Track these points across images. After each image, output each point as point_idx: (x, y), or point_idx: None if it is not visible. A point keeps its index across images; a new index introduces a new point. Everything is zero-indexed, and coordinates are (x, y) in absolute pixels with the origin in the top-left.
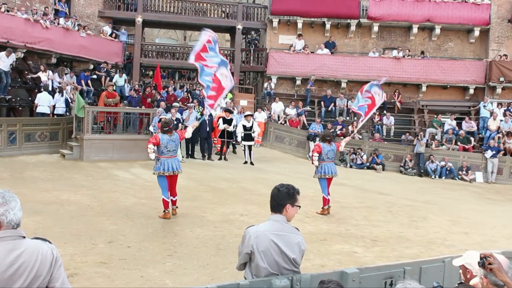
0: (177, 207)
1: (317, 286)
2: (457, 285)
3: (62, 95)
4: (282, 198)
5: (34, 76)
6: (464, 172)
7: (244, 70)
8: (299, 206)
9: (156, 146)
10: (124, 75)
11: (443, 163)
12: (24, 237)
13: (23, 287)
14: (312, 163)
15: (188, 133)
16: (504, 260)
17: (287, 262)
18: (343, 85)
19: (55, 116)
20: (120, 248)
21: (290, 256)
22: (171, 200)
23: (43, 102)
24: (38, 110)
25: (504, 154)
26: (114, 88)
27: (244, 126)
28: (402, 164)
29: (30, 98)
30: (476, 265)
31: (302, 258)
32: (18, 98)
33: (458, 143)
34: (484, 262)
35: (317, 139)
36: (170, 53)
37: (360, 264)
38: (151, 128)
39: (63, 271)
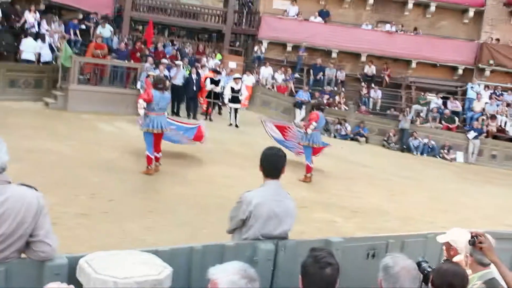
0: (160, 164)
1: (304, 253)
2: (442, 261)
3: (44, 42)
4: (282, 161)
5: (22, 20)
6: (445, 151)
7: (235, 32)
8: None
9: (146, 103)
10: (107, 25)
11: (426, 140)
12: (9, 182)
13: (7, 233)
14: (306, 131)
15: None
16: (491, 240)
17: (280, 231)
18: (334, 55)
19: (41, 64)
20: (101, 201)
21: (285, 225)
22: (155, 156)
23: (28, 48)
24: (23, 56)
25: (486, 137)
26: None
27: (232, 88)
28: (386, 139)
29: (16, 44)
30: (461, 243)
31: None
32: (4, 43)
33: (443, 122)
34: (475, 240)
35: (303, 106)
36: (161, 9)
37: (339, 234)
38: (138, 85)
39: (48, 220)
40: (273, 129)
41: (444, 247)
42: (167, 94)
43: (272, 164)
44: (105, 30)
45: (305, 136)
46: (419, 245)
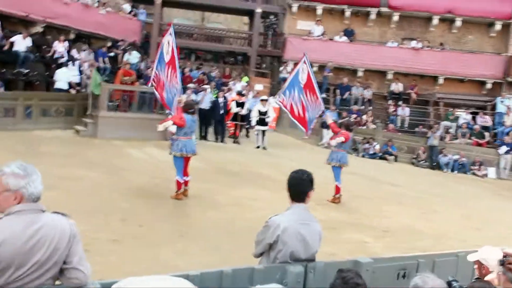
0: (188, 188)
1: (334, 274)
2: (473, 280)
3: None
4: (307, 186)
5: (52, 50)
6: (476, 167)
7: (261, 54)
8: (313, 189)
9: (177, 127)
10: (134, 52)
11: (456, 156)
12: (44, 211)
13: (41, 260)
14: (330, 141)
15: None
16: None
17: (308, 253)
18: (360, 73)
19: (74, 91)
20: (132, 227)
21: (313, 248)
22: (184, 180)
23: (61, 77)
24: (57, 86)
25: None
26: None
27: (259, 111)
28: (415, 156)
29: (47, 73)
30: (492, 261)
31: (319, 247)
32: (36, 73)
33: (472, 137)
34: (505, 260)
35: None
36: (187, 34)
37: (370, 254)
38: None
39: (81, 247)
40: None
41: (475, 266)
42: (196, 118)
43: (297, 188)
44: (132, 57)
45: (335, 157)
46: (451, 264)
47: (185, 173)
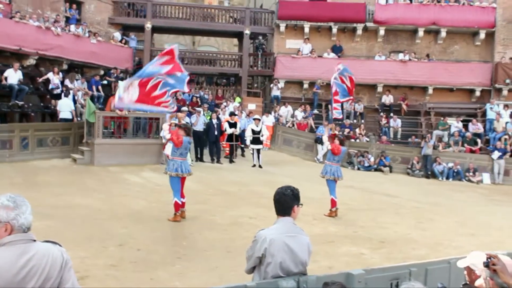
0: (185, 210)
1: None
2: (462, 285)
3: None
4: (290, 200)
5: (45, 77)
6: (471, 174)
7: (252, 74)
8: (302, 205)
9: (172, 147)
10: (121, 82)
11: (450, 164)
12: (34, 240)
13: None
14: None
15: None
16: (509, 261)
17: (298, 265)
18: None
19: (77, 120)
20: (130, 251)
21: (302, 259)
22: (183, 202)
23: (64, 107)
24: (61, 116)
25: (511, 156)
26: None
27: (252, 130)
28: (409, 166)
29: (42, 104)
30: (481, 266)
31: (309, 260)
32: (30, 104)
33: (465, 145)
34: (489, 262)
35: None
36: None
37: (367, 265)
38: (161, 133)
39: (73, 273)
40: None
41: (465, 272)
42: (191, 140)
43: (282, 204)
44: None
45: (329, 170)
46: (443, 272)
47: (181, 195)
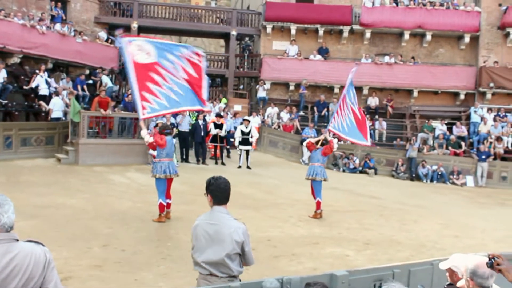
0: (170, 211)
1: None
2: (446, 286)
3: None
4: (227, 189)
5: (33, 83)
6: (455, 176)
7: (238, 76)
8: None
9: (158, 148)
10: (104, 77)
11: (434, 167)
12: (17, 240)
13: None
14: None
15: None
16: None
17: (217, 252)
18: (336, 90)
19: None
20: (114, 252)
21: (221, 246)
22: (167, 203)
23: (56, 107)
24: (53, 115)
25: (494, 159)
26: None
27: (241, 131)
28: (394, 169)
29: (26, 103)
30: (462, 268)
31: (246, 252)
32: (14, 103)
33: (449, 147)
34: (493, 262)
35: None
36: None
37: (351, 267)
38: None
39: (56, 273)
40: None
41: (447, 273)
42: (173, 140)
43: (224, 192)
44: (105, 79)
45: (313, 171)
46: (426, 273)
47: (168, 196)
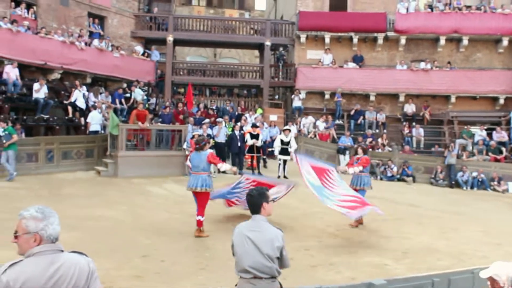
0: (202, 231)
1: None
2: None
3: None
4: (257, 200)
5: (72, 100)
6: (496, 183)
7: (273, 86)
8: (273, 200)
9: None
10: (137, 90)
11: (474, 174)
12: (62, 250)
13: None
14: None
15: (223, 167)
16: None
17: (261, 256)
18: (372, 98)
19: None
20: (154, 262)
21: (264, 251)
22: (197, 220)
23: (94, 120)
24: (91, 128)
25: None
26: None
27: (281, 141)
28: (433, 176)
29: (66, 117)
30: (504, 276)
31: (283, 256)
32: (55, 118)
33: (490, 153)
34: None
35: (347, 152)
36: (200, 70)
37: (390, 276)
38: (184, 145)
39: (99, 283)
40: (310, 171)
41: (488, 282)
42: (204, 153)
43: (251, 204)
44: (136, 94)
45: (357, 180)
46: (467, 282)
47: (199, 211)
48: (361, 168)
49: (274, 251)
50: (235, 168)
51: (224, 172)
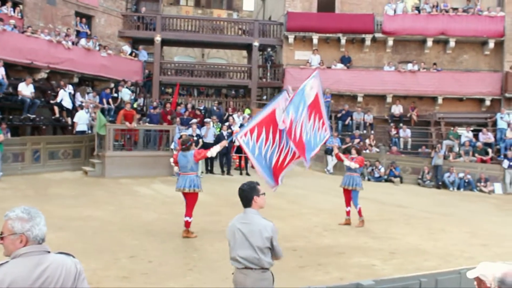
0: (190, 232)
1: None
2: None
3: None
4: (248, 194)
5: (58, 100)
6: (482, 184)
7: (261, 86)
8: (264, 193)
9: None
10: (124, 89)
11: (461, 174)
12: (49, 251)
13: None
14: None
15: (212, 152)
16: None
17: (250, 247)
18: (360, 99)
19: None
20: (141, 263)
21: (253, 243)
22: (185, 220)
23: (81, 120)
24: (78, 128)
25: None
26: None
27: None
28: (420, 177)
29: (53, 117)
30: (490, 276)
31: (274, 246)
32: (42, 117)
33: (476, 154)
34: None
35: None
36: (188, 70)
37: (378, 276)
38: (172, 145)
39: (86, 284)
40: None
41: (475, 283)
42: (189, 153)
43: (242, 198)
44: (123, 94)
45: (358, 181)
46: (454, 282)
47: (186, 212)
48: (357, 166)
49: (263, 241)
50: (224, 142)
51: (211, 171)
